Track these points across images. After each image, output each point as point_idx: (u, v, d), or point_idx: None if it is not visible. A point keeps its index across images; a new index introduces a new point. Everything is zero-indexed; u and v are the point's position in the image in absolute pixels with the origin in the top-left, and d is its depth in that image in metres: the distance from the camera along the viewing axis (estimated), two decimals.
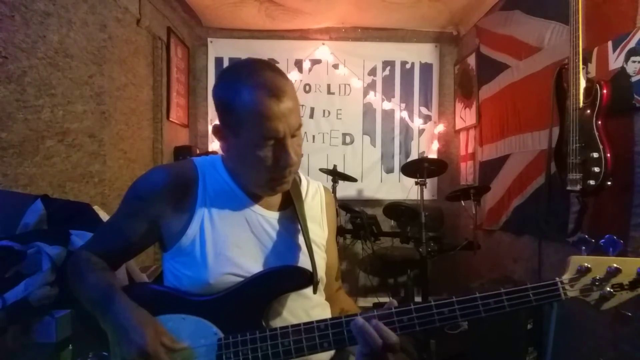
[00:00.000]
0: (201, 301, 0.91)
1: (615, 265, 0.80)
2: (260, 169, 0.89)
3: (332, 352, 1.02)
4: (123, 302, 0.86)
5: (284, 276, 0.94)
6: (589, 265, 0.82)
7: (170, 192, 0.93)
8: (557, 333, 1.89)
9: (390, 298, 3.57)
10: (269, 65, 0.91)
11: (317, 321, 0.87)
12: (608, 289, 0.81)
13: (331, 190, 3.04)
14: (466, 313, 0.83)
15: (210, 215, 0.94)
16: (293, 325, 0.87)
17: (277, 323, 0.91)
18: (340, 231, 3.22)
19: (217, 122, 0.94)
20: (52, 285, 1.20)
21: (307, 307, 0.98)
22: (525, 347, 1.93)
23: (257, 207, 0.99)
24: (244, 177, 0.96)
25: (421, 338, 2.47)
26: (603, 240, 0.84)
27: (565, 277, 0.84)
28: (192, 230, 0.93)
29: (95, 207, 1.66)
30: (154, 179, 0.95)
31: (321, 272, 1.02)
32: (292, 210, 1.02)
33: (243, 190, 0.98)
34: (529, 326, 1.93)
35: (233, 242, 0.94)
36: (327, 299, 1.11)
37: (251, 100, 0.84)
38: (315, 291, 0.97)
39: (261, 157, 0.87)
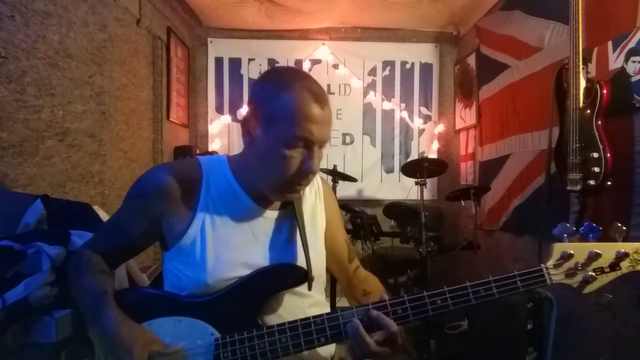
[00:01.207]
0: (196, 302, 0.91)
1: (595, 250, 0.86)
2: (282, 169, 0.88)
3: (332, 349, 1.02)
4: (112, 312, 0.84)
5: (277, 274, 0.94)
6: (572, 252, 0.87)
7: (173, 191, 0.93)
8: (557, 333, 1.89)
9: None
10: (314, 79, 0.93)
11: (314, 317, 0.87)
12: (590, 272, 0.87)
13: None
14: (458, 302, 0.87)
15: (212, 216, 0.94)
16: (290, 322, 0.87)
17: (273, 322, 0.91)
18: None
19: (246, 114, 0.94)
20: (52, 285, 1.20)
21: (304, 305, 0.99)
22: (525, 347, 1.93)
23: (259, 210, 0.99)
24: (258, 176, 0.95)
25: (421, 338, 2.47)
26: (583, 228, 0.89)
27: (550, 263, 0.88)
28: (194, 230, 0.93)
29: (95, 207, 1.66)
30: (158, 177, 0.94)
31: (320, 270, 1.02)
32: (292, 209, 1.02)
33: (246, 192, 0.98)
34: (529, 326, 1.93)
35: (234, 243, 0.94)
36: (347, 283, 1.13)
37: (297, 98, 0.86)
38: (310, 288, 0.97)
39: (287, 156, 0.87)
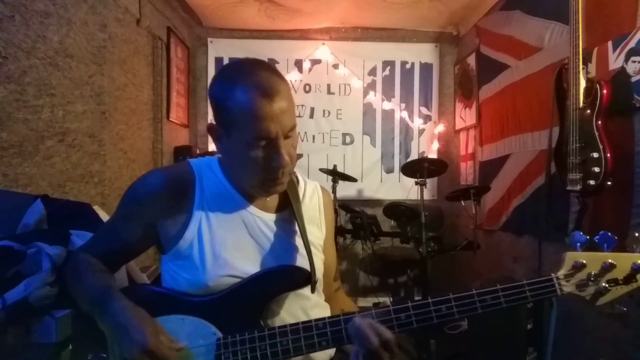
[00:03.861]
0: (200, 302, 0.91)
1: (610, 260, 0.82)
2: (252, 169, 0.89)
3: (331, 352, 1.02)
4: (122, 301, 0.86)
5: (281, 276, 0.94)
6: (584, 261, 0.83)
7: (166, 196, 0.93)
8: (557, 333, 1.89)
9: (390, 299, 3.57)
10: (264, 65, 0.90)
11: (316, 320, 0.87)
12: (603, 284, 0.82)
13: (331, 190, 3.04)
14: (463, 310, 0.84)
15: (207, 218, 0.94)
16: (291, 325, 0.87)
17: (276, 323, 0.91)
18: (340, 231, 3.22)
19: (211, 120, 0.94)
20: (52, 285, 1.20)
21: (306, 307, 0.98)
22: (525, 347, 1.93)
23: (254, 209, 0.98)
24: (238, 177, 0.96)
25: (421, 338, 2.47)
26: (597, 237, 0.85)
27: (561, 272, 0.85)
28: (190, 233, 0.93)
29: (95, 207, 1.66)
30: (150, 182, 0.94)
31: (319, 274, 1.01)
32: (289, 212, 1.02)
33: (239, 191, 0.97)
34: (529, 326, 1.93)
35: (231, 244, 0.94)
36: (327, 299, 1.11)
37: (244, 100, 0.83)
38: (313, 290, 0.97)
39: (253, 157, 0.87)
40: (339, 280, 1.17)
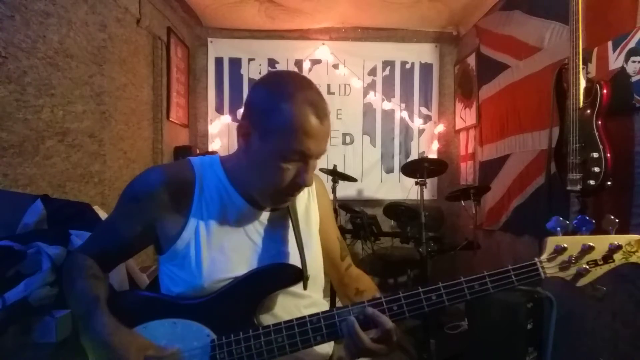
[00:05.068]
0: (192, 304, 0.90)
1: (589, 243, 0.86)
2: (275, 179, 0.88)
3: (330, 348, 1.02)
4: (104, 320, 0.84)
5: (271, 274, 0.94)
6: (565, 245, 0.87)
7: (166, 194, 0.92)
8: (557, 333, 1.89)
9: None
10: (314, 85, 0.91)
11: (310, 315, 0.87)
12: (584, 265, 0.86)
13: (331, 190, 3.04)
14: (453, 297, 0.87)
15: (205, 219, 0.94)
16: (285, 322, 0.87)
17: (269, 322, 0.91)
18: (340, 231, 3.21)
19: (242, 119, 0.92)
20: (52, 285, 1.20)
21: (301, 305, 0.99)
22: (525, 347, 1.93)
23: (252, 211, 0.98)
24: (250, 181, 0.94)
25: (421, 338, 2.47)
26: (575, 221, 0.89)
27: (544, 256, 0.89)
28: (188, 234, 0.92)
29: (95, 207, 1.66)
30: (150, 180, 0.94)
31: (313, 270, 1.00)
32: (285, 209, 1.01)
33: (239, 193, 0.97)
34: (529, 326, 1.93)
35: (227, 245, 0.94)
36: (338, 281, 1.12)
37: (297, 111, 0.83)
38: (305, 287, 0.97)
39: (282, 169, 0.86)
40: (349, 258, 1.16)
